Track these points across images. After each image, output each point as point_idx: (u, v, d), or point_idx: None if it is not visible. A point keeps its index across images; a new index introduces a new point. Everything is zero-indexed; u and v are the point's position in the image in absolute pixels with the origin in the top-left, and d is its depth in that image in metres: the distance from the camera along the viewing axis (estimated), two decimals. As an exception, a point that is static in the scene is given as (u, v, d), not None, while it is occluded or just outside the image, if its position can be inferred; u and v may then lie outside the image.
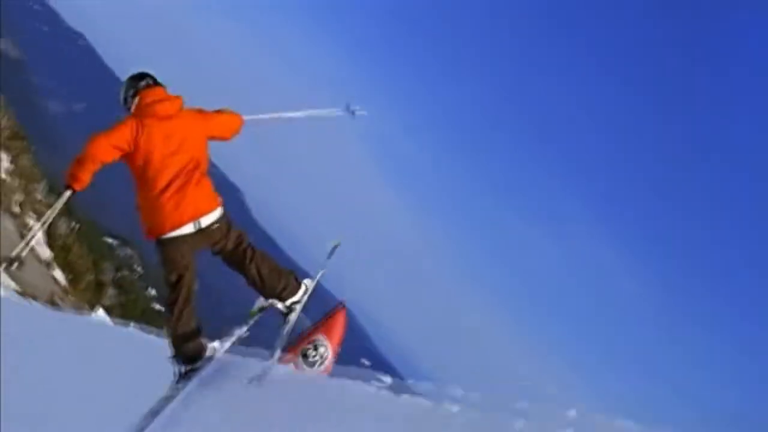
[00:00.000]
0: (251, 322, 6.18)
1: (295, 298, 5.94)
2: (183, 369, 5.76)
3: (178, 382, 5.76)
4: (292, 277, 5.98)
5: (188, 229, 5.50)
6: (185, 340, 5.74)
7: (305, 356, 6.02)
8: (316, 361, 5.99)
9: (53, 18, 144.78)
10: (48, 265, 29.87)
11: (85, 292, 34.85)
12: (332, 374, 6.01)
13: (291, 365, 5.88)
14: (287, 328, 5.88)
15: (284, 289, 5.88)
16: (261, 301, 6.12)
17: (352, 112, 6.75)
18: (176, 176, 5.50)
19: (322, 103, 6.84)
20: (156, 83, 5.71)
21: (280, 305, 5.95)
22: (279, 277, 5.89)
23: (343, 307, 6.39)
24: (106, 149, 5.37)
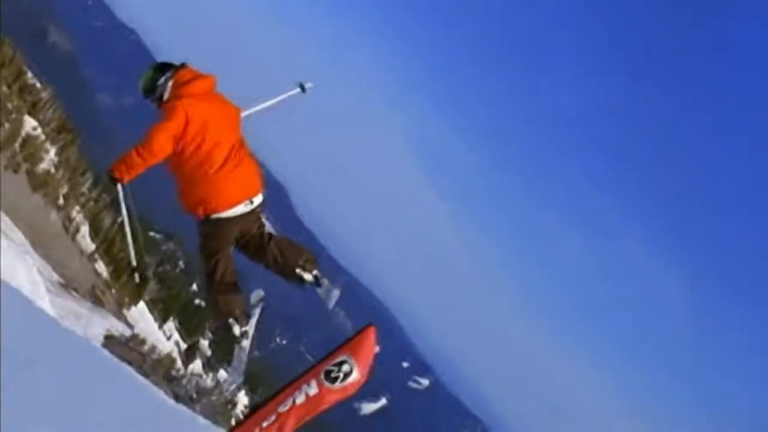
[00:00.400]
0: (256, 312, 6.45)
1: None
2: (240, 327, 6.12)
3: (242, 336, 6.22)
4: (306, 250, 6.14)
5: (242, 208, 5.58)
6: (230, 301, 5.98)
7: (328, 373, 5.71)
8: (338, 377, 5.69)
9: (106, 13, 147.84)
10: (90, 257, 29.80)
11: (127, 285, 34.92)
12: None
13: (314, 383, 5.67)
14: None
15: (306, 261, 6.04)
16: (259, 293, 6.44)
17: (303, 88, 6.99)
18: (230, 153, 5.48)
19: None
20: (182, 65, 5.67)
21: (307, 276, 6.08)
22: (297, 250, 6.06)
23: (373, 327, 6.03)
24: (168, 142, 5.32)
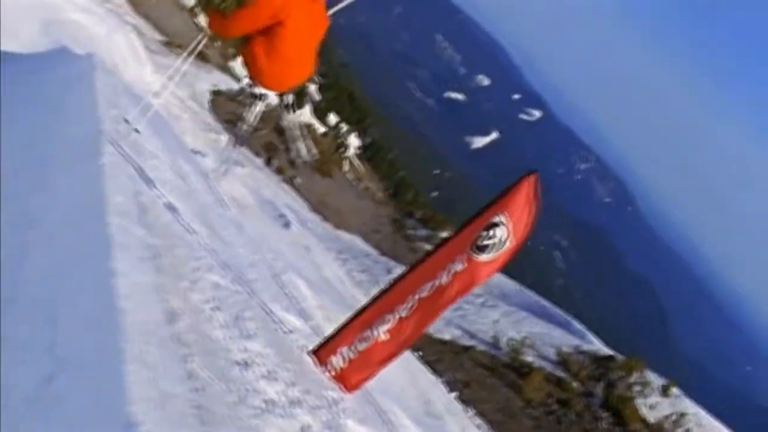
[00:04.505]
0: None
1: None
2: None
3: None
4: None
5: None
6: None
7: (477, 239, 4.84)
8: (487, 245, 4.80)
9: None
10: (191, 12, 29.78)
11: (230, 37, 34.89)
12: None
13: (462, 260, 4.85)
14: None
15: None
16: None
17: None
18: None
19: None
20: None
21: None
22: None
23: (534, 174, 4.87)
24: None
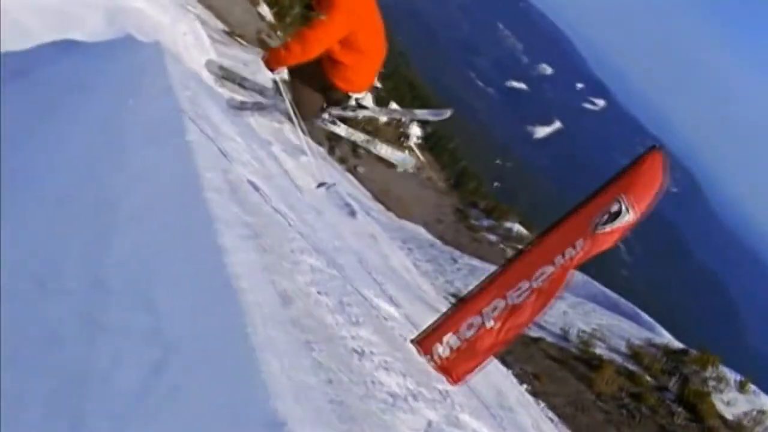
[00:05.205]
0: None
1: None
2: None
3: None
4: None
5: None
6: None
7: (597, 223, 4.61)
8: (599, 221, 4.54)
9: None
10: (253, 1, 29.92)
11: (292, 26, 35.22)
12: None
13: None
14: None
15: None
16: None
17: None
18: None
19: None
20: None
21: None
22: None
23: (659, 150, 4.61)
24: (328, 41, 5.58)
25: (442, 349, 4.67)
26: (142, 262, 3.23)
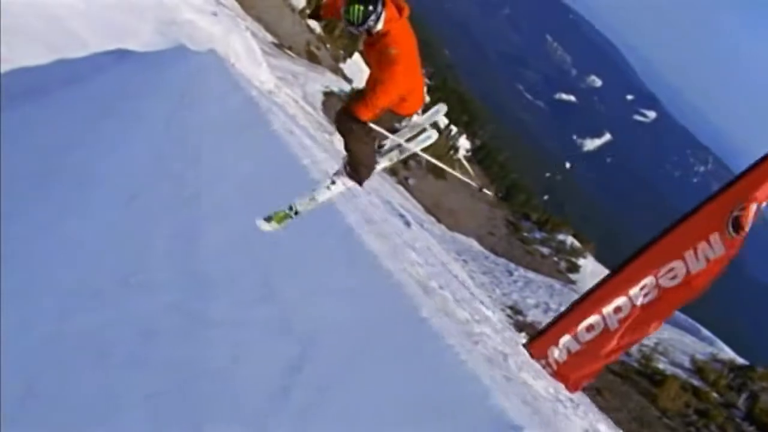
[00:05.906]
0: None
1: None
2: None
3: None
4: None
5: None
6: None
7: (731, 218, 4.36)
8: (741, 224, 4.30)
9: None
10: (301, 13, 29.93)
11: (340, 39, 35.16)
12: None
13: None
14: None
15: None
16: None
17: None
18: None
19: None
20: None
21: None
22: None
23: None
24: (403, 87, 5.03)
25: (558, 353, 4.21)
26: (247, 252, 2.96)
